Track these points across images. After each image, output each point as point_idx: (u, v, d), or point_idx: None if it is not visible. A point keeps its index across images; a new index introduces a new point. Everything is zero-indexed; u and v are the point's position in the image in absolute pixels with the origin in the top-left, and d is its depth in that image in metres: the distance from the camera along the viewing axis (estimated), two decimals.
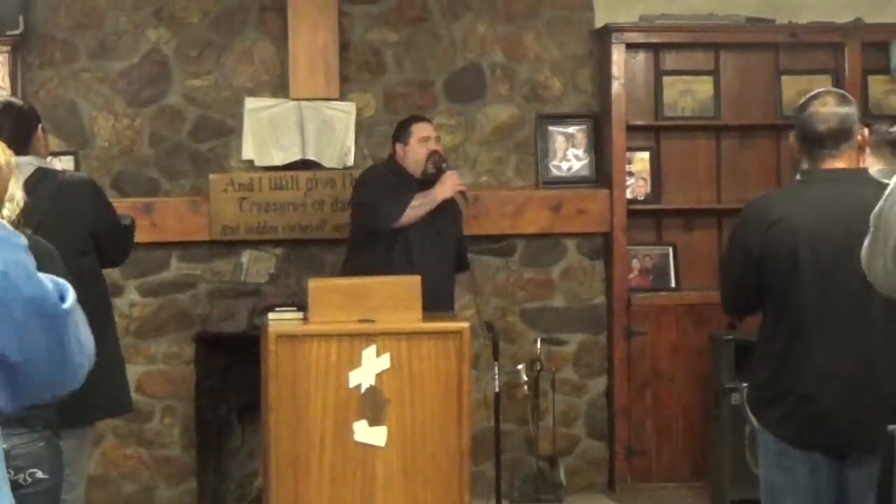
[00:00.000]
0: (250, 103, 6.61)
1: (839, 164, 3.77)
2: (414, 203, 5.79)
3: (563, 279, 6.84)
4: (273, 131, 6.58)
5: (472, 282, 6.30)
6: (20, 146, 4.31)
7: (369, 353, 5.05)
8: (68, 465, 3.72)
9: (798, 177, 3.89)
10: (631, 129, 6.76)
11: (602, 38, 6.76)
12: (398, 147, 5.99)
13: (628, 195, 6.78)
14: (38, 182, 4.27)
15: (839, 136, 3.75)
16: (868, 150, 3.98)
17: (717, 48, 6.91)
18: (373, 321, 5.11)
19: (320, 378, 5.03)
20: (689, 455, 6.71)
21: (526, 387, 6.50)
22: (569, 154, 6.87)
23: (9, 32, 6.35)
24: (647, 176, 6.89)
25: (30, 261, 2.31)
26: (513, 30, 6.81)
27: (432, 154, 5.90)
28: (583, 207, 6.77)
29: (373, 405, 5.04)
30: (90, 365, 2.45)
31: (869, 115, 6.39)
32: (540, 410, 6.58)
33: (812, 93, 3.92)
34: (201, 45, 6.63)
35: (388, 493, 5.05)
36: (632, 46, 6.79)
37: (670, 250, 6.91)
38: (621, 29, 6.71)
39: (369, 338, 5.06)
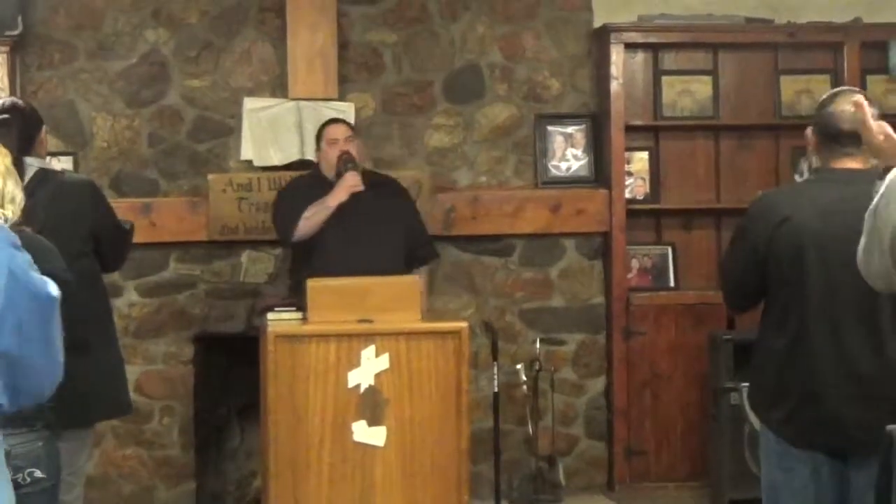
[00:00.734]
0: (249, 103, 6.61)
1: (854, 164, 3.76)
2: (306, 214, 5.78)
3: (562, 279, 6.84)
4: (272, 131, 6.58)
5: (428, 279, 6.19)
6: (26, 148, 4.33)
7: (368, 353, 5.05)
8: (68, 466, 3.72)
9: (808, 175, 3.88)
10: (630, 129, 6.76)
11: (601, 38, 6.76)
12: (317, 153, 6.03)
13: (627, 195, 6.78)
14: (39, 183, 4.28)
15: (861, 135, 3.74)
16: None
17: (715, 48, 6.91)
18: (372, 321, 5.11)
19: (319, 378, 5.04)
20: (689, 455, 6.71)
21: (525, 387, 6.50)
22: (568, 154, 6.87)
23: (7, 33, 6.34)
24: (646, 176, 6.89)
25: (28, 258, 2.33)
26: (511, 30, 6.81)
27: (341, 156, 5.86)
28: (582, 207, 6.77)
29: (372, 405, 5.05)
30: (63, 360, 2.47)
31: None
32: (539, 410, 6.58)
33: (836, 90, 3.92)
34: (200, 46, 6.63)
35: (386, 493, 5.06)
36: (630, 46, 6.78)
37: (669, 250, 6.91)
38: (620, 29, 6.71)
39: (368, 338, 5.07)
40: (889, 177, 2.92)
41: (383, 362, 5.06)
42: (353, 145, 5.93)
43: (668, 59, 6.93)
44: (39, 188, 4.24)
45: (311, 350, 5.04)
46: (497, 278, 6.79)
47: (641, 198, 6.87)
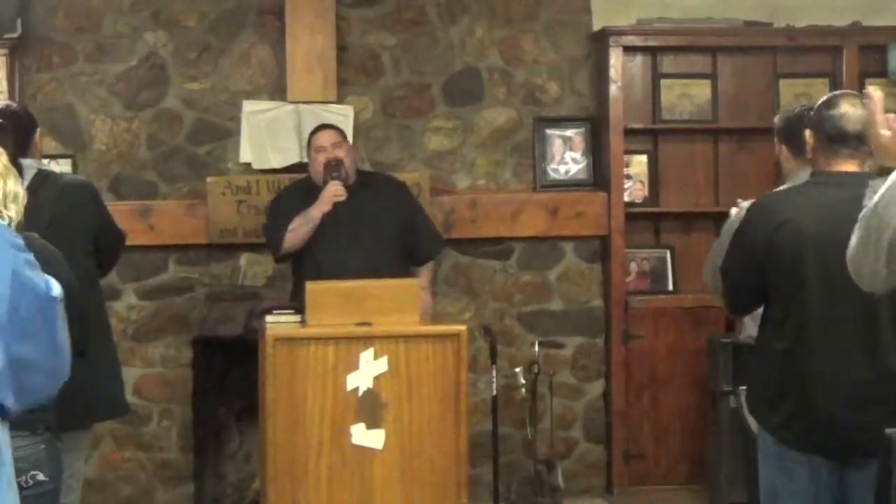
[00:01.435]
0: (248, 106, 6.61)
1: (853, 166, 3.76)
2: (291, 226, 5.78)
3: (561, 282, 6.84)
4: (271, 134, 6.58)
5: (431, 277, 6.17)
6: (23, 149, 4.34)
7: (367, 356, 5.05)
8: (66, 469, 3.72)
9: (807, 177, 3.88)
10: (629, 132, 6.76)
11: (600, 41, 6.76)
12: (309, 160, 6.02)
13: (626, 198, 6.78)
14: (40, 185, 4.29)
15: (864, 138, 3.74)
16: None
17: (714, 51, 6.91)
18: (370, 324, 5.11)
19: (318, 381, 5.03)
20: (687, 458, 6.71)
21: (524, 390, 6.50)
22: (566, 157, 6.87)
23: (6, 35, 6.34)
24: (645, 179, 6.90)
25: (30, 257, 2.33)
26: (510, 33, 6.81)
27: (328, 163, 5.84)
28: (580, 210, 6.77)
29: (370, 408, 5.04)
30: (70, 359, 2.47)
31: None
32: (538, 414, 6.57)
33: (836, 92, 3.92)
34: (199, 49, 6.63)
35: (385, 496, 5.05)
36: (629, 50, 6.79)
37: (668, 253, 6.91)
38: (619, 32, 6.71)
39: (367, 341, 5.06)
40: (891, 177, 2.91)
41: (382, 365, 5.06)
42: (343, 150, 5.90)
43: (667, 63, 6.93)
44: (42, 189, 4.25)
45: (309, 353, 5.04)
46: (496, 281, 6.79)
47: (640, 201, 6.88)
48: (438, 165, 6.75)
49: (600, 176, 6.83)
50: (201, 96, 6.64)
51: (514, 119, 6.82)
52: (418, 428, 5.07)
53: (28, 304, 2.30)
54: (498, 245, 6.79)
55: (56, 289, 2.40)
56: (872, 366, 3.65)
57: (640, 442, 6.74)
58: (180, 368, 6.61)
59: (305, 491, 5.04)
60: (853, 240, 3.04)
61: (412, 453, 5.06)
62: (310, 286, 5.23)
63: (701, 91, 6.91)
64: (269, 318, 5.28)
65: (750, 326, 4.88)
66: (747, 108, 6.95)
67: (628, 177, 6.83)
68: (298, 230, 5.77)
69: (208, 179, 6.55)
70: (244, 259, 6.63)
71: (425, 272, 6.06)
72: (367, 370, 5.05)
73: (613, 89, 6.69)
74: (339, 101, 6.62)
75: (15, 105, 4.64)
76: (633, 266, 6.87)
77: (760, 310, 3.96)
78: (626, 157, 6.79)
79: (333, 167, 5.81)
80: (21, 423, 3.08)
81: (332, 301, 5.16)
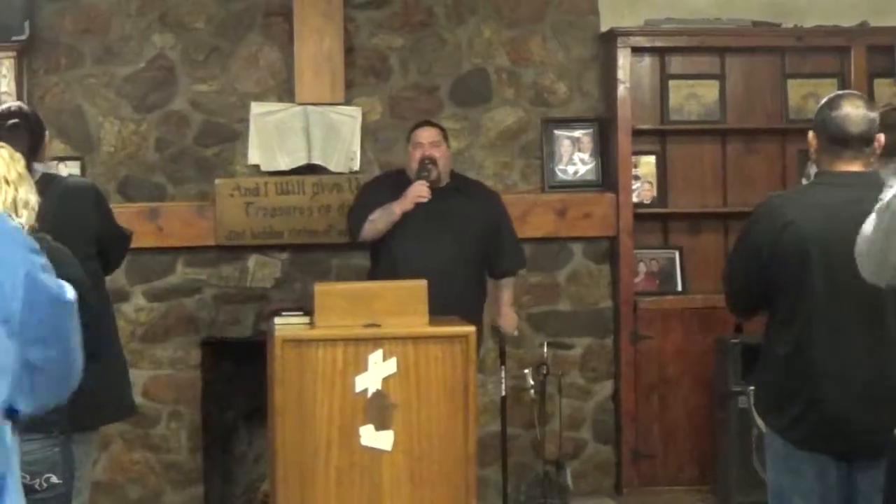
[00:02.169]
0: (256, 108, 6.62)
1: (856, 167, 3.76)
2: (372, 217, 5.80)
3: (570, 283, 6.84)
4: (279, 136, 6.59)
5: (514, 294, 6.19)
6: (35, 153, 4.35)
7: (376, 357, 5.04)
8: (77, 470, 3.73)
9: (812, 178, 3.88)
10: (637, 132, 6.76)
11: (608, 42, 6.76)
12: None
13: (634, 199, 6.78)
14: (44, 188, 4.28)
15: (866, 139, 3.74)
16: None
17: (722, 52, 6.91)
18: (379, 326, 5.10)
19: (327, 382, 5.03)
20: (696, 458, 6.71)
21: (532, 391, 6.49)
22: (575, 158, 6.86)
23: (14, 38, 6.35)
24: (653, 180, 6.89)
25: (44, 261, 2.34)
26: (518, 34, 6.81)
27: (422, 160, 5.85)
28: (589, 211, 6.77)
29: (379, 410, 5.04)
30: (82, 362, 2.47)
31: None
32: (546, 414, 6.57)
33: (839, 93, 3.91)
34: (207, 51, 6.64)
35: (394, 497, 5.05)
36: (637, 50, 6.78)
37: (676, 254, 6.91)
38: (627, 33, 6.71)
39: (376, 342, 5.05)
40: None
41: (391, 366, 5.05)
42: (439, 151, 5.89)
43: (675, 63, 6.93)
44: (45, 192, 4.25)
45: (318, 354, 5.03)
46: None
47: (648, 202, 6.87)
48: None
49: (608, 177, 6.82)
50: (209, 98, 6.65)
51: (523, 120, 6.82)
52: (427, 429, 5.06)
53: (42, 308, 2.29)
54: None
55: (70, 293, 2.40)
56: (878, 366, 3.65)
57: (648, 442, 6.74)
58: (189, 370, 6.61)
59: (314, 492, 5.04)
60: (867, 232, 3.05)
61: (421, 454, 5.06)
62: (318, 288, 5.24)
63: (709, 91, 6.90)
64: (277, 320, 5.27)
65: None
66: (755, 109, 6.95)
67: (636, 177, 6.83)
68: (378, 222, 5.80)
69: (216, 181, 6.56)
70: (252, 261, 6.64)
71: (507, 289, 6.08)
72: (376, 371, 5.04)
73: (621, 90, 6.68)
74: (347, 102, 6.63)
75: (25, 107, 4.64)
76: (642, 267, 6.87)
77: None
78: (634, 158, 6.79)
79: (424, 166, 5.82)
80: (35, 426, 3.09)
81: (341, 302, 5.15)
